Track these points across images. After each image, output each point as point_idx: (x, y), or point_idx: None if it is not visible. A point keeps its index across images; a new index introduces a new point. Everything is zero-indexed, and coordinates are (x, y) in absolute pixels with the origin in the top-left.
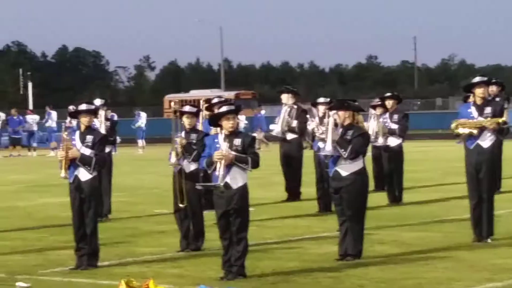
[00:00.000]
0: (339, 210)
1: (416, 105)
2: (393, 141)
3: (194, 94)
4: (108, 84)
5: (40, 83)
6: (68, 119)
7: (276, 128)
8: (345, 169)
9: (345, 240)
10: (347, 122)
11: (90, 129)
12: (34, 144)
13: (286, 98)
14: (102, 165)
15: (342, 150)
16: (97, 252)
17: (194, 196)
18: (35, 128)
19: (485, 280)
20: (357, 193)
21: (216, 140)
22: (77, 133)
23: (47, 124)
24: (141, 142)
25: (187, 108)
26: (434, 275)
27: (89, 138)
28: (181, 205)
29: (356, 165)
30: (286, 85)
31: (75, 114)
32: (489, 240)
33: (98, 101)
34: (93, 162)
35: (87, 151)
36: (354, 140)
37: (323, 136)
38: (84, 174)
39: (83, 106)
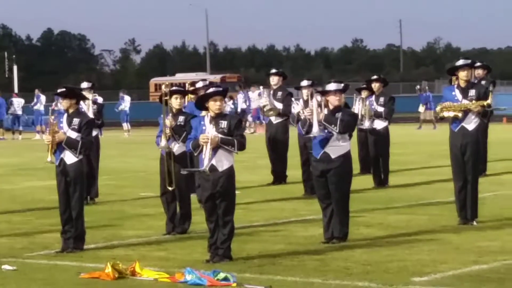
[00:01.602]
0: (323, 194)
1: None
2: (379, 124)
3: (180, 77)
4: (93, 68)
5: (25, 67)
6: (55, 102)
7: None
8: (334, 152)
9: (330, 224)
10: (337, 104)
11: (77, 112)
12: (20, 128)
13: (276, 80)
14: (89, 149)
15: (332, 125)
16: (83, 235)
17: (182, 178)
18: (20, 112)
19: (471, 263)
20: (345, 175)
21: (202, 123)
22: (65, 116)
23: (35, 107)
24: (125, 126)
25: (175, 88)
26: (419, 258)
27: (76, 121)
28: (169, 188)
29: (344, 148)
30: (272, 68)
31: (62, 95)
32: (474, 223)
33: (85, 84)
34: (79, 145)
35: (74, 134)
36: (345, 117)
37: (309, 116)
38: (70, 157)
39: (62, 89)
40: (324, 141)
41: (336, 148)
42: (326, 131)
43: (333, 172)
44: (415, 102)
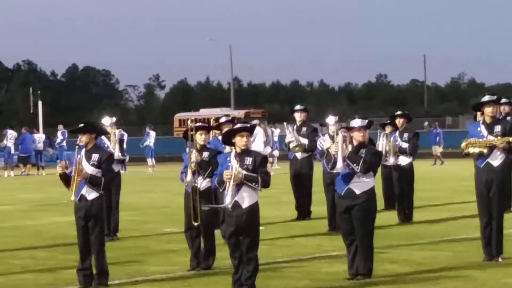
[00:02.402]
0: (348, 230)
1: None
2: (403, 160)
3: (204, 113)
4: (117, 103)
5: (50, 102)
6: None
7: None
8: (358, 187)
9: (354, 260)
10: (361, 140)
11: (96, 147)
12: (42, 163)
13: (300, 116)
14: (110, 184)
15: (355, 164)
16: (106, 270)
17: (206, 214)
18: (41, 147)
19: None
20: (369, 212)
21: (228, 159)
22: (83, 151)
23: (57, 144)
24: (150, 161)
25: (199, 124)
26: None
27: (95, 156)
28: (194, 224)
29: (368, 184)
30: (297, 104)
31: (76, 132)
32: (499, 259)
33: (107, 120)
34: (102, 182)
35: (94, 170)
36: (368, 156)
37: (334, 152)
38: (89, 193)
39: (80, 125)
40: (348, 177)
41: (361, 184)
42: (350, 167)
43: (358, 208)
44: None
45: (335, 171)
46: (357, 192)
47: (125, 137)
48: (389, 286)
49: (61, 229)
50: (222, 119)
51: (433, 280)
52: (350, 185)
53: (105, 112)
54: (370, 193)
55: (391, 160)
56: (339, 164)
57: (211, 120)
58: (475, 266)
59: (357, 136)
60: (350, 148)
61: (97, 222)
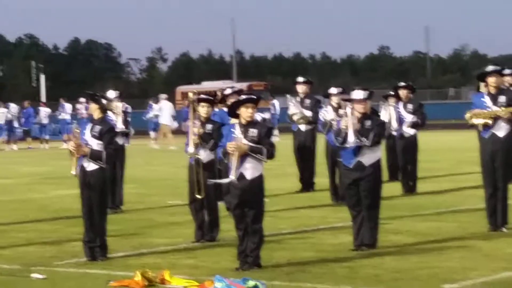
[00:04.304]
0: (355, 202)
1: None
2: (407, 131)
3: (206, 85)
4: (120, 76)
5: (52, 76)
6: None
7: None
8: (367, 160)
9: (360, 231)
10: (362, 111)
11: (100, 119)
12: (46, 137)
13: (303, 88)
14: (114, 157)
15: (364, 138)
16: (105, 243)
17: (210, 187)
18: (46, 121)
19: (501, 269)
20: (376, 183)
21: (232, 130)
22: (89, 124)
23: (60, 117)
24: (153, 134)
25: (203, 96)
26: (449, 265)
27: (97, 128)
28: (198, 196)
29: (376, 156)
30: (299, 76)
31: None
32: (504, 229)
33: (112, 93)
34: (103, 156)
35: (95, 142)
36: (375, 129)
37: (344, 127)
38: (90, 165)
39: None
40: (357, 150)
41: (369, 156)
42: (359, 139)
43: (366, 180)
44: (442, 109)
45: (347, 146)
46: (366, 164)
47: (129, 110)
48: (394, 257)
49: (65, 202)
50: (228, 91)
51: (437, 250)
52: (359, 157)
53: (108, 86)
54: (378, 164)
55: (395, 129)
56: (351, 139)
57: (217, 93)
58: (479, 237)
59: (359, 108)
60: (355, 120)
61: (97, 193)
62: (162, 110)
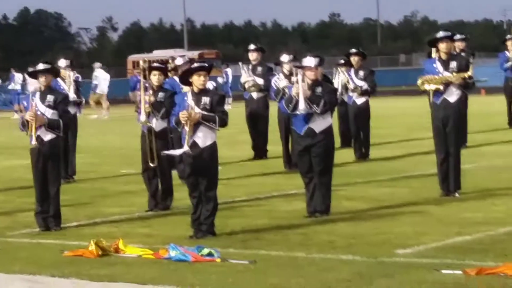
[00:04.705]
0: (307, 169)
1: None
2: (359, 98)
3: (158, 54)
4: (70, 46)
5: (2, 46)
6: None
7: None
8: (318, 126)
9: (313, 198)
10: (313, 78)
11: (50, 89)
12: None
13: (255, 55)
14: (68, 126)
15: (315, 105)
16: (59, 213)
17: (163, 155)
18: None
19: (454, 234)
20: (329, 149)
21: (185, 98)
22: (37, 94)
23: (10, 87)
24: (104, 104)
25: (155, 64)
26: (402, 230)
27: (50, 97)
28: (151, 165)
29: (327, 122)
30: (251, 44)
31: (34, 74)
32: (456, 195)
33: (63, 62)
34: (61, 125)
35: (49, 111)
36: (326, 96)
37: (295, 94)
38: (46, 134)
39: (40, 66)
40: (308, 117)
41: (320, 123)
42: (310, 106)
43: (318, 146)
44: (393, 75)
45: (298, 113)
46: (317, 130)
47: (80, 79)
48: (347, 223)
49: (16, 172)
50: (179, 60)
51: (391, 216)
52: (310, 124)
53: (58, 56)
54: (329, 131)
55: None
56: (301, 106)
57: (169, 61)
58: (432, 202)
59: (310, 75)
60: (306, 87)
61: (53, 163)
62: (98, 79)
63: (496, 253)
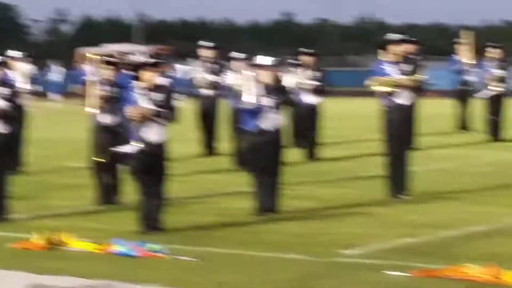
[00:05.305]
0: (256, 166)
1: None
2: (310, 98)
3: (110, 48)
4: (21, 38)
5: None
6: None
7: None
8: (269, 124)
9: (261, 196)
10: (268, 78)
11: (1, 82)
12: None
13: (206, 53)
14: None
15: (268, 102)
16: (6, 205)
17: (113, 149)
18: None
19: (400, 236)
20: (278, 148)
21: (135, 94)
22: None
23: None
24: (54, 96)
25: (108, 58)
26: (350, 231)
27: (3, 89)
28: (100, 159)
29: (278, 120)
30: (203, 41)
31: None
32: (404, 197)
33: (16, 54)
34: (14, 116)
35: (3, 103)
36: (278, 95)
37: (243, 90)
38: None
39: None
40: (260, 114)
41: (270, 120)
42: (261, 104)
43: (268, 144)
44: (345, 76)
45: (245, 108)
46: (268, 129)
47: (32, 71)
48: (295, 222)
49: None
50: (138, 56)
51: (338, 216)
52: (261, 122)
53: (9, 48)
54: (279, 130)
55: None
56: (253, 104)
57: (121, 56)
58: (380, 203)
59: (263, 74)
60: (258, 86)
61: (2, 154)
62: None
63: (442, 256)
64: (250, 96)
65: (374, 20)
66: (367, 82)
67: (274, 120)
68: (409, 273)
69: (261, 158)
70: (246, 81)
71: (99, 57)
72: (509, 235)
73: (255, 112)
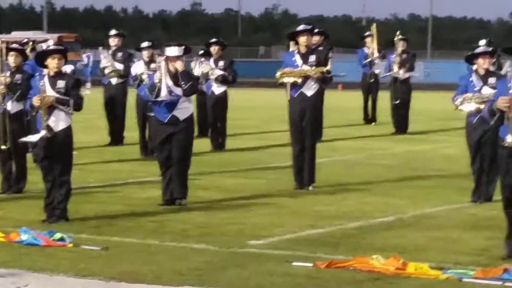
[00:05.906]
0: (165, 156)
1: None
2: (218, 88)
3: (16, 35)
4: None
5: None
6: None
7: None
8: (181, 114)
9: (169, 186)
10: (179, 67)
11: None
12: None
13: (114, 41)
14: None
15: (177, 92)
16: None
17: (18, 137)
18: None
19: (307, 226)
20: (189, 137)
21: (41, 82)
22: None
23: None
24: None
25: (14, 45)
26: (256, 221)
27: None
28: (4, 147)
29: (189, 110)
30: (112, 29)
31: None
32: (310, 188)
33: None
34: None
35: None
36: (188, 83)
37: (158, 81)
38: None
39: None
40: (172, 105)
41: (183, 110)
42: (173, 94)
43: (180, 134)
44: (252, 67)
45: (159, 99)
46: (181, 118)
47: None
48: (202, 212)
49: None
50: (51, 43)
51: (245, 207)
52: (174, 112)
53: None
54: (191, 119)
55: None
56: (164, 93)
57: (30, 44)
58: (286, 194)
59: (173, 63)
60: (167, 75)
61: None
62: None
63: (347, 247)
64: (161, 85)
65: (282, 11)
66: (277, 74)
67: (184, 109)
68: (315, 264)
69: (171, 148)
70: (163, 73)
71: (4, 44)
72: (411, 227)
73: (164, 101)
